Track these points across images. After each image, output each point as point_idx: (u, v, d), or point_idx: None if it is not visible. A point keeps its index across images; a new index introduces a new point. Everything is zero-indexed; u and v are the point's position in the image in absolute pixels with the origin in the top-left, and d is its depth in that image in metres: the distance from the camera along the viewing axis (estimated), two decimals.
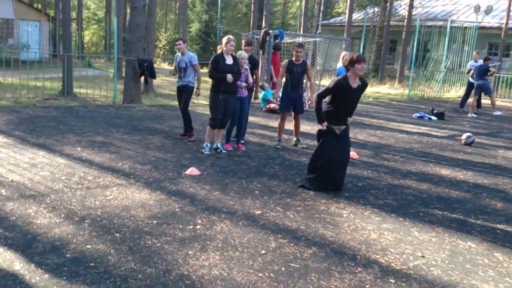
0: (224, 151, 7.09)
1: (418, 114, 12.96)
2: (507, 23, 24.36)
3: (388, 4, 26.36)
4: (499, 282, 3.58)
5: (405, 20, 24.17)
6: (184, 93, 7.83)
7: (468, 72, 14.82)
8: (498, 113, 14.06)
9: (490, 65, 14.10)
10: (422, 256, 3.95)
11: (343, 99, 5.40)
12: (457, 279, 3.58)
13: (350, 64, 5.26)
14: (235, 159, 6.79)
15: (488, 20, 25.99)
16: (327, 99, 5.56)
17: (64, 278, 3.27)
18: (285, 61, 7.69)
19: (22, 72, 13.05)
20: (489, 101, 14.68)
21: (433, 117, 12.67)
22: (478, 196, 5.80)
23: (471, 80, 14.89)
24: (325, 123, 5.51)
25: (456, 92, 19.99)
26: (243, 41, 7.88)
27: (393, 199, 5.45)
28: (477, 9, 23.18)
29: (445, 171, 6.94)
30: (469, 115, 13.84)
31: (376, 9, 29.71)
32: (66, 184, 5.29)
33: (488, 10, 23.31)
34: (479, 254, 4.07)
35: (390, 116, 12.75)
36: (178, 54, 7.79)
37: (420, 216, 4.91)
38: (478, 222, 4.87)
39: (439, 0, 33.75)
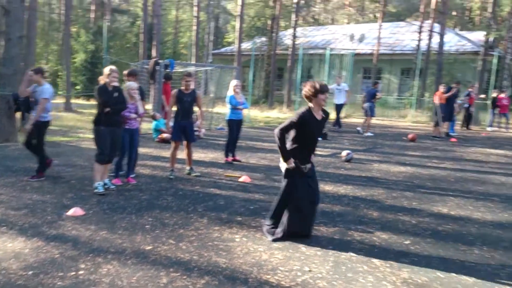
0: (113, 187, 6.84)
1: None
2: (378, 50, 26.90)
3: (274, 34, 27.77)
4: (377, 286, 3.88)
5: (290, 49, 25.58)
6: (36, 127, 7.15)
7: (364, 99, 15.80)
8: (369, 134, 15.03)
9: (377, 89, 15.39)
10: (309, 271, 4.15)
11: (308, 133, 4.86)
12: None
13: (313, 94, 4.80)
14: (125, 194, 6.57)
15: (362, 47, 28.48)
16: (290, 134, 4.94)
17: None
18: (174, 90, 7.75)
19: None
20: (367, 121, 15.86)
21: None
22: (357, 208, 6.26)
23: (335, 101, 16.07)
24: (292, 160, 4.85)
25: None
26: (125, 72, 7.79)
27: None
28: (352, 37, 25.34)
29: (328, 187, 7.40)
30: (365, 134, 14.91)
31: (264, 39, 31.14)
32: None
33: (361, 38, 25.62)
34: (359, 262, 4.38)
35: None
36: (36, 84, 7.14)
37: None
38: (358, 232, 5.25)
39: (319, 30, 36.40)
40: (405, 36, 30.18)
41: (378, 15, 31.86)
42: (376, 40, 27.12)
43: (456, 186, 7.74)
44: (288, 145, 4.89)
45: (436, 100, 14.96)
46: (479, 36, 27.64)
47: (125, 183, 7.17)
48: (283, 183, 4.99)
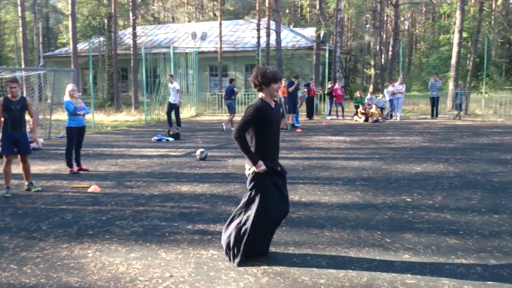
0: None
1: (156, 138, 13.36)
2: (221, 47, 27.54)
3: (112, 33, 26.53)
4: (239, 281, 3.89)
5: (132, 49, 24.73)
6: None
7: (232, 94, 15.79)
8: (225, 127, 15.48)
9: (234, 86, 15.63)
10: (171, 276, 4.00)
11: (268, 125, 4.17)
12: None
13: (265, 83, 4.17)
14: None
15: (205, 45, 28.89)
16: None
17: None
18: (0, 99, 7.02)
19: None
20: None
21: (170, 138, 13.28)
22: (215, 205, 6.26)
23: (170, 100, 15.95)
24: (262, 163, 4.11)
25: (188, 112, 21.45)
26: None
27: (139, 225, 5.41)
28: (194, 36, 25.49)
29: (185, 188, 7.29)
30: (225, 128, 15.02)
31: (102, 38, 29.59)
32: None
33: (203, 37, 25.93)
34: (221, 259, 4.36)
35: (130, 143, 12.77)
36: None
37: (166, 236, 5.00)
38: (217, 229, 5.22)
39: (160, 29, 35.89)
40: (245, 33, 31.42)
41: (217, 13, 32.58)
42: (218, 38, 27.72)
43: (305, 174, 8.26)
44: (252, 148, 4.19)
45: (280, 93, 15.83)
46: (311, 32, 30.09)
47: None
48: (253, 194, 4.22)
